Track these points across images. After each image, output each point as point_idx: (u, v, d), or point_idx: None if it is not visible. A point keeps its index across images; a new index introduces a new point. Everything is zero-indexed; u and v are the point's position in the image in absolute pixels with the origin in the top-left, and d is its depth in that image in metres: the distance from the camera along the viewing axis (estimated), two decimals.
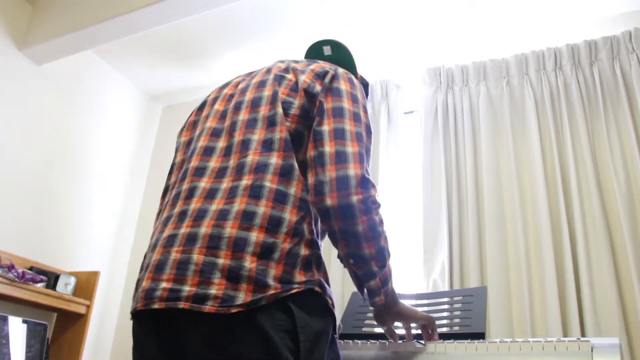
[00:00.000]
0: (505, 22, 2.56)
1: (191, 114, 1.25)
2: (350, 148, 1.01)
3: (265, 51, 2.89)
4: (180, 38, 2.84)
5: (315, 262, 0.97)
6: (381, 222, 1.03)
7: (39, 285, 2.30)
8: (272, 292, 0.88)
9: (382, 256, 1.03)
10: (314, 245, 0.99)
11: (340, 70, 1.14)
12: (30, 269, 2.37)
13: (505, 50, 2.52)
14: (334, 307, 0.99)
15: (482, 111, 2.39)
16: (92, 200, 2.89)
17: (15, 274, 2.15)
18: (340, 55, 1.40)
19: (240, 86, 1.18)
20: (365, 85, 1.46)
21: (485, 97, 2.42)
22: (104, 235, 2.94)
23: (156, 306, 0.90)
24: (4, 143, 2.47)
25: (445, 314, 1.44)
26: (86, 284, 2.52)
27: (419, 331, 1.22)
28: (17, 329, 2.14)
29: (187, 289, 0.88)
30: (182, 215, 0.99)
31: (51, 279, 2.38)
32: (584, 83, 2.26)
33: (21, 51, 2.62)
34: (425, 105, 2.52)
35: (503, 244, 2.13)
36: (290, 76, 1.13)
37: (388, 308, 1.12)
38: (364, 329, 1.46)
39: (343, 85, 1.10)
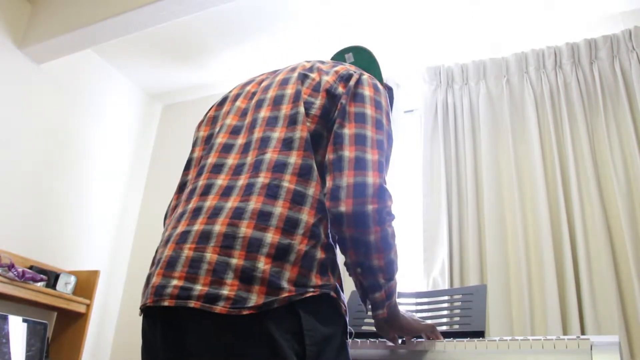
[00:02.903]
0: (505, 21, 2.56)
1: (210, 109, 1.24)
2: (370, 155, 0.99)
3: (265, 50, 2.89)
4: (180, 37, 2.84)
5: (330, 266, 0.96)
6: (393, 235, 1.01)
7: (39, 284, 2.30)
8: (285, 294, 0.87)
9: (390, 269, 1.01)
10: (329, 249, 0.97)
11: (365, 76, 1.12)
12: (31, 268, 2.37)
13: (505, 49, 2.52)
14: (346, 313, 0.98)
15: (482, 110, 2.39)
16: (92, 199, 2.89)
17: (15, 273, 2.16)
18: (362, 61, 1.37)
19: (263, 84, 1.17)
20: (390, 89, 1.41)
21: (485, 95, 2.42)
22: (104, 234, 2.94)
23: (166, 303, 0.89)
24: (3, 142, 2.47)
25: (445, 312, 1.44)
26: (86, 283, 2.52)
27: None
28: (17, 328, 2.14)
29: (198, 288, 0.87)
30: (197, 211, 0.98)
31: (51, 278, 2.39)
32: (583, 82, 2.26)
33: (21, 50, 2.62)
34: (425, 103, 2.52)
35: (503, 242, 2.13)
36: (314, 75, 1.11)
37: (390, 322, 1.10)
38: (364, 328, 1.46)
39: (367, 91, 1.08)
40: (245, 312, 0.85)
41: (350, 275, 1.05)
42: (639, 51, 2.19)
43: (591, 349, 1.00)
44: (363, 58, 1.37)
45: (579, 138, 2.17)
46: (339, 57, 1.43)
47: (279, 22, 2.68)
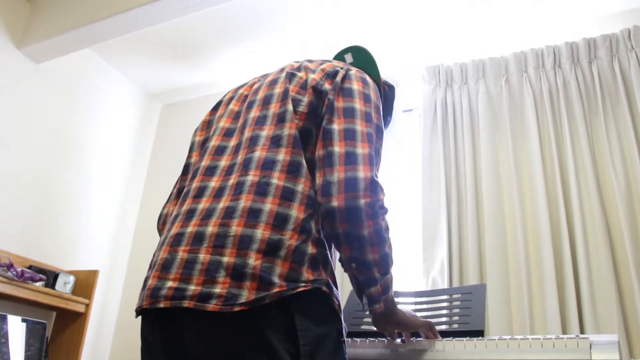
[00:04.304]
0: (504, 20, 2.56)
1: (206, 114, 1.26)
2: (360, 149, 1.00)
3: (264, 49, 2.89)
4: (180, 36, 2.84)
5: (322, 262, 0.96)
6: (387, 228, 1.01)
7: (38, 284, 2.30)
8: (276, 290, 0.87)
9: (385, 263, 1.01)
10: (321, 244, 0.97)
11: (353, 70, 1.13)
12: (30, 267, 2.36)
13: (504, 48, 2.52)
14: (340, 309, 0.98)
15: (481, 109, 2.39)
16: (91, 198, 2.89)
17: (14, 272, 2.15)
18: (361, 60, 1.39)
19: (255, 87, 1.19)
20: (391, 87, 1.42)
21: (484, 95, 2.42)
22: (103, 234, 2.93)
23: (161, 305, 0.90)
24: (2, 142, 2.46)
25: (444, 311, 1.44)
26: (85, 283, 2.52)
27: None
28: (16, 327, 2.14)
29: (192, 288, 0.88)
30: (190, 213, 0.99)
31: (50, 277, 2.38)
32: (582, 81, 2.26)
33: (20, 50, 2.62)
34: (425, 103, 2.52)
35: (502, 242, 2.13)
36: (301, 74, 1.12)
37: (387, 316, 1.10)
38: (363, 327, 1.46)
39: (355, 85, 1.09)
40: (236, 309, 0.85)
41: (345, 271, 1.05)
42: (638, 50, 2.19)
43: (590, 348, 1.00)
44: (361, 57, 1.39)
45: (578, 137, 2.17)
46: (339, 57, 1.45)
47: (278, 22, 2.68)
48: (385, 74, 2.59)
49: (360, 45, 1.42)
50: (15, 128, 2.53)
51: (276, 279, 0.88)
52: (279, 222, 0.93)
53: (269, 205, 0.94)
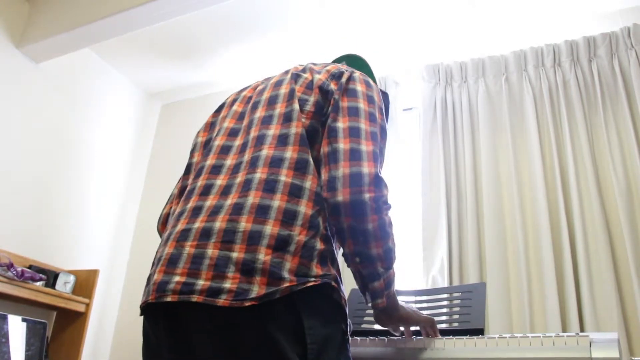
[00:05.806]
0: (503, 19, 2.56)
1: (209, 116, 1.27)
2: (365, 146, 1.02)
3: (263, 48, 2.89)
4: (179, 36, 2.84)
5: (330, 257, 0.97)
6: (390, 223, 1.02)
7: (38, 283, 2.30)
8: (286, 284, 0.87)
9: (388, 257, 1.02)
10: (328, 241, 0.98)
11: (357, 73, 1.15)
12: (30, 267, 2.37)
13: (503, 47, 2.52)
14: (346, 304, 0.99)
15: (481, 108, 2.39)
16: (91, 198, 2.89)
17: (14, 272, 2.15)
18: (355, 68, 1.40)
19: (259, 88, 1.21)
20: (385, 94, 1.44)
21: (483, 93, 2.42)
22: (103, 234, 2.93)
23: (169, 299, 0.90)
24: (2, 142, 2.46)
25: (444, 310, 1.44)
26: (85, 282, 2.52)
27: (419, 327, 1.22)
28: (16, 327, 2.14)
29: (201, 283, 0.88)
30: (197, 210, 0.99)
31: (50, 277, 2.38)
32: (582, 79, 2.26)
33: (19, 49, 2.62)
34: (424, 101, 2.52)
35: (502, 240, 2.13)
36: (306, 75, 1.15)
37: (389, 312, 1.11)
38: (363, 326, 1.46)
39: (359, 87, 1.11)
40: (247, 304, 0.85)
41: (348, 266, 1.06)
42: (638, 49, 2.19)
43: (590, 346, 1.00)
44: (355, 65, 1.42)
45: (578, 135, 2.17)
46: None
47: (277, 21, 2.68)
48: (382, 75, 2.59)
49: (355, 54, 1.45)
50: (15, 128, 2.53)
51: (286, 274, 0.88)
52: (288, 218, 0.93)
53: (277, 202, 0.94)
